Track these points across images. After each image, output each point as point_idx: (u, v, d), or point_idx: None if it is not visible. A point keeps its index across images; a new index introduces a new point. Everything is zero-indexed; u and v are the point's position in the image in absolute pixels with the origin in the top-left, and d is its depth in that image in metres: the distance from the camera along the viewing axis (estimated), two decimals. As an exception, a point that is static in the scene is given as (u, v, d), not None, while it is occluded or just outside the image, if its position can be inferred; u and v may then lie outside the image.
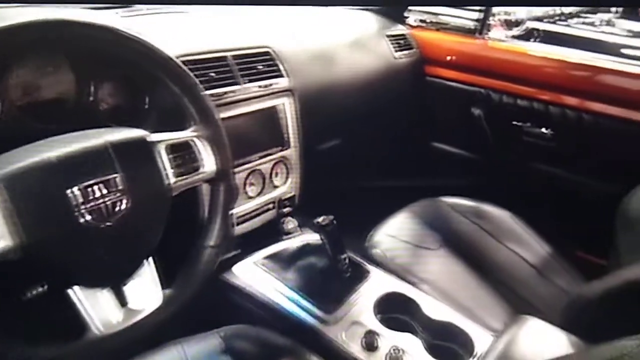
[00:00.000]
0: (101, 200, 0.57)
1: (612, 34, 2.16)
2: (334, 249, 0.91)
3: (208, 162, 0.71)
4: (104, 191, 0.57)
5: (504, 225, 1.31)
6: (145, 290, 0.65)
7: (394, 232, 1.22)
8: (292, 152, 1.10)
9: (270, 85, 1.03)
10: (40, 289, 0.64)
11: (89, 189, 0.56)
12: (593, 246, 1.33)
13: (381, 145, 1.56)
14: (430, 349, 0.86)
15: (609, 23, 2.34)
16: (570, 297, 0.87)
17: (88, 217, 0.56)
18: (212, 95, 0.91)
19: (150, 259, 0.65)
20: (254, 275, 0.98)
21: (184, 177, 0.68)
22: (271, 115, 1.05)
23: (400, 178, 1.56)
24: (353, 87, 1.31)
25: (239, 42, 1.03)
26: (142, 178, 0.62)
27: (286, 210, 1.12)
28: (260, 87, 1.01)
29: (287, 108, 1.07)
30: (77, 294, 0.58)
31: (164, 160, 0.65)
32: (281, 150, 1.07)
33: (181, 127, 0.74)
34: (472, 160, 1.51)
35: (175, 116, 0.86)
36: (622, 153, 1.25)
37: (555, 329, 0.78)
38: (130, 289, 0.63)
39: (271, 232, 1.12)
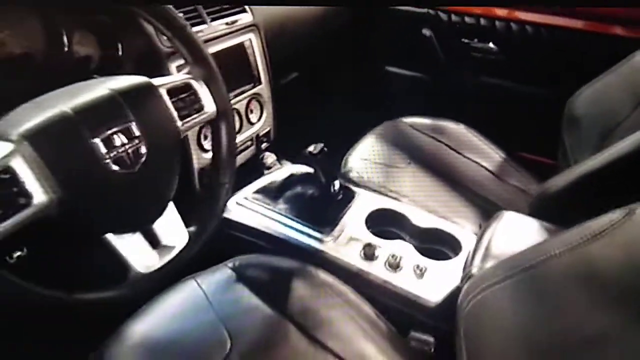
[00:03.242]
0: (123, 149, 0.58)
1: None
2: (327, 175, 0.96)
3: (208, 103, 0.72)
4: (124, 139, 0.58)
5: (461, 138, 1.41)
6: (171, 230, 0.67)
7: (365, 156, 1.29)
8: (263, 88, 1.11)
9: (236, 21, 1.03)
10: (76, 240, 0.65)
11: (110, 138, 0.57)
12: (541, 148, 1.45)
13: (338, 74, 1.59)
14: (422, 252, 0.95)
15: None
16: (538, 192, 0.98)
17: (115, 167, 0.57)
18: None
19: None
20: (248, 208, 1.02)
21: (188, 119, 0.69)
22: (240, 53, 1.05)
23: (360, 104, 1.61)
24: (307, 18, 1.31)
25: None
26: (154, 123, 0.62)
27: (264, 145, 1.15)
28: (227, 24, 1.00)
29: (255, 44, 1.07)
30: (114, 240, 0.60)
31: (168, 104, 0.66)
32: (253, 87, 1.08)
33: (159, 72, 0.74)
34: (425, 80, 1.58)
35: (151, 61, 0.85)
36: (562, 60, 1.35)
37: (531, 219, 0.89)
38: (158, 229, 0.66)
39: (253, 168, 1.15)
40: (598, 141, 1.16)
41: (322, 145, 0.92)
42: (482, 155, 1.37)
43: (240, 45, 1.04)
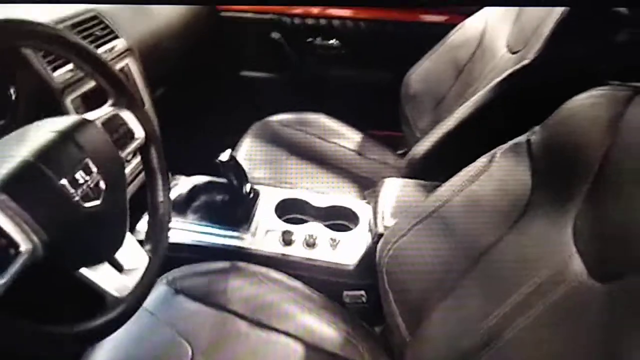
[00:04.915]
0: (86, 185, 0.61)
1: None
2: (239, 179, 1.05)
3: (137, 129, 0.76)
4: (85, 176, 0.61)
5: (323, 126, 1.59)
6: (130, 253, 0.71)
7: (248, 156, 1.39)
8: (148, 110, 1.14)
9: (113, 48, 1.04)
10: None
11: (74, 177, 0.60)
12: (388, 124, 1.69)
13: (201, 85, 1.65)
14: (329, 227, 1.10)
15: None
16: (407, 158, 1.19)
17: (83, 203, 0.60)
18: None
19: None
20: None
21: (125, 147, 0.73)
22: (122, 78, 1.06)
23: (225, 110, 1.69)
24: (170, 35, 1.36)
25: (65, 11, 1.00)
26: (103, 157, 0.66)
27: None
28: (105, 51, 1.02)
29: (133, 68, 1.10)
30: (87, 273, 0.63)
31: (107, 136, 0.69)
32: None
33: (55, 109, 0.75)
34: (280, 79, 1.73)
35: (46, 99, 0.86)
36: (394, 46, 1.61)
37: (408, 180, 1.09)
38: (118, 255, 0.69)
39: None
40: (433, 110, 1.43)
41: (230, 152, 1.00)
42: (343, 138, 1.57)
43: (121, 72, 1.06)
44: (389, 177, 1.40)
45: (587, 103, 0.68)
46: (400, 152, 1.58)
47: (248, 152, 1.41)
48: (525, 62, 0.99)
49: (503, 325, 0.66)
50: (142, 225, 1.06)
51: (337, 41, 1.62)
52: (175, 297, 0.93)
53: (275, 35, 1.62)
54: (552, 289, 0.62)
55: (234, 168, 1.01)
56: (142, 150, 0.79)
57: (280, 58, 1.66)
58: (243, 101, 1.72)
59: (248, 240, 1.05)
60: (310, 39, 1.63)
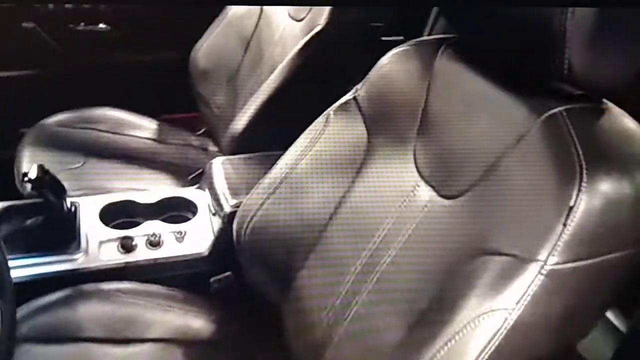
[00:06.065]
0: None
1: None
2: (57, 195, 0.90)
3: None
4: None
5: (112, 119, 1.46)
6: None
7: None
8: None
9: None
10: None
11: None
12: (182, 105, 1.62)
13: None
14: (168, 222, 1.04)
15: None
16: (227, 136, 1.19)
17: None
18: None
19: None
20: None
21: None
22: None
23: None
24: None
25: None
26: None
27: None
28: None
29: None
30: None
31: None
32: None
33: None
34: (42, 75, 1.49)
35: None
36: (171, 24, 1.53)
37: (236, 156, 1.10)
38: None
39: None
40: (227, 84, 1.43)
41: (38, 164, 0.86)
42: (138, 128, 1.47)
43: None
44: (196, 158, 1.40)
45: (399, 58, 0.78)
46: (199, 132, 1.55)
47: (40, 161, 1.21)
48: (319, 27, 1.07)
49: (373, 261, 0.73)
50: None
51: (107, 25, 1.47)
52: (19, 349, 0.78)
53: (27, 24, 1.39)
54: (408, 217, 0.71)
55: (49, 183, 0.87)
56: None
57: (41, 51, 1.43)
58: (3, 108, 1.44)
59: (82, 259, 0.93)
60: (72, 25, 1.44)
